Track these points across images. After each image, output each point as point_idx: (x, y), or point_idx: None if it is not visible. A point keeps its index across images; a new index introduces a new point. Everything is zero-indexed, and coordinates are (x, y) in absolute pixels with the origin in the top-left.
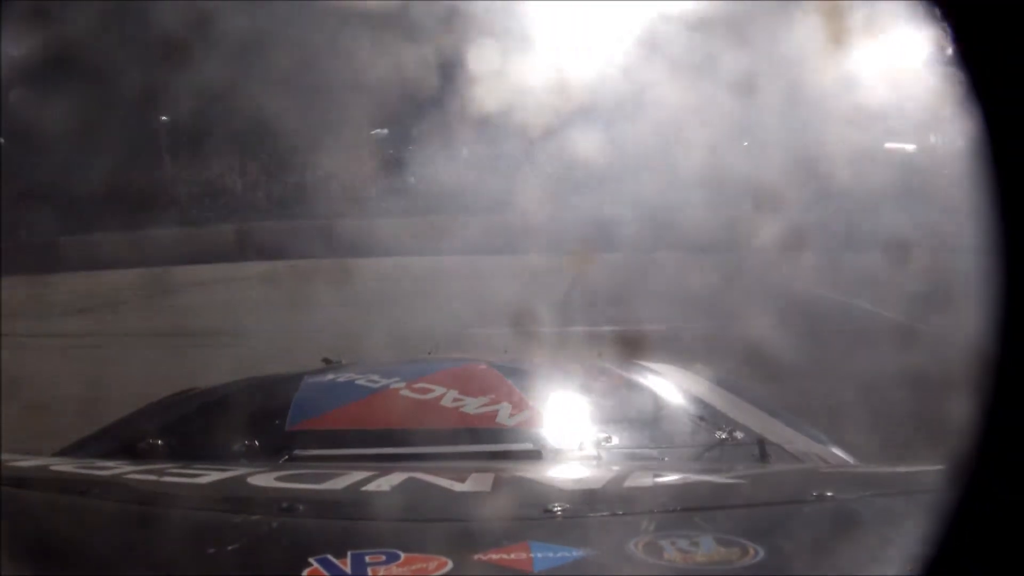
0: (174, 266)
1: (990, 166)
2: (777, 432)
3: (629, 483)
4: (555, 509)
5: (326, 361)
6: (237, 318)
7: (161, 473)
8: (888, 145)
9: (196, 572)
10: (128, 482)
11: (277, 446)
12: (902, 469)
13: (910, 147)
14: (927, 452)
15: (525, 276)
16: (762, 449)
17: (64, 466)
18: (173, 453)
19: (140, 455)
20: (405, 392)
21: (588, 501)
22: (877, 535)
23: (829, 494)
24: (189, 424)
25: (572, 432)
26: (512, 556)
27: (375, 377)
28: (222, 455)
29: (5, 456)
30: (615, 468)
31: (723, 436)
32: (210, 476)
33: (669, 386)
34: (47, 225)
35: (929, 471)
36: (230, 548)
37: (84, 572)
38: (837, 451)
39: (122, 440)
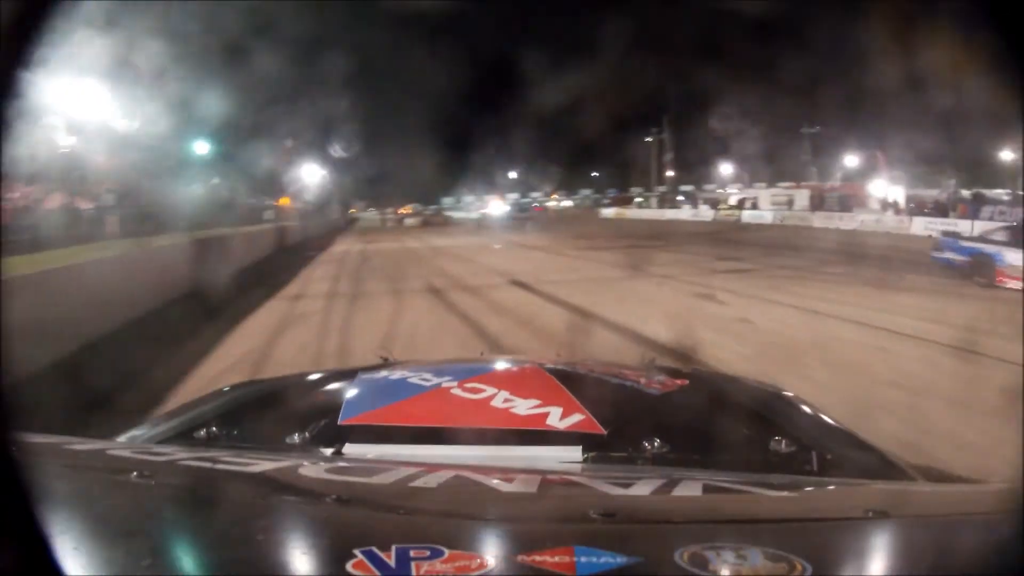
0: None
1: None
2: (836, 446)
3: (678, 491)
4: (601, 514)
5: (383, 359)
6: None
7: (215, 461)
8: None
9: (244, 558)
10: (181, 468)
11: (329, 439)
12: (966, 488)
13: None
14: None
15: None
16: (819, 462)
17: (120, 450)
18: (228, 442)
19: (196, 442)
20: (456, 391)
21: (635, 508)
22: (932, 556)
23: (884, 511)
24: (245, 414)
25: (622, 437)
26: (555, 559)
27: (427, 375)
28: (276, 445)
29: (62, 439)
30: (664, 476)
31: (779, 447)
32: (262, 465)
33: (723, 393)
34: None
35: (993, 490)
36: (278, 536)
37: (135, 555)
38: (900, 468)
39: (179, 427)
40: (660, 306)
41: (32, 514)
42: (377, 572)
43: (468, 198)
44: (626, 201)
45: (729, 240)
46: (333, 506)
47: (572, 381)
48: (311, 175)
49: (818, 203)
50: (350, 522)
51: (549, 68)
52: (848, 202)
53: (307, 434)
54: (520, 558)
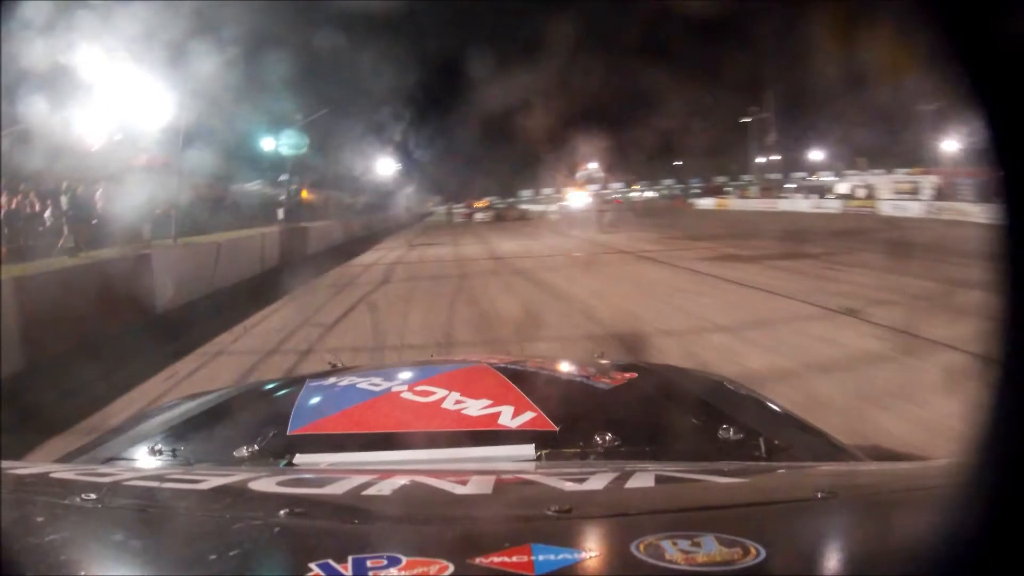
0: None
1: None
2: (783, 431)
3: (631, 484)
4: (557, 511)
5: (332, 365)
6: None
7: (163, 479)
8: None
9: None
10: (129, 488)
11: (279, 450)
12: (912, 465)
13: None
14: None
15: None
16: (767, 448)
17: (65, 473)
18: (176, 457)
19: (142, 460)
20: (407, 395)
21: (590, 503)
22: (882, 534)
23: (834, 492)
24: (192, 428)
25: (574, 433)
26: (514, 559)
27: (377, 380)
28: (224, 460)
29: (5, 464)
30: (617, 469)
31: (727, 435)
32: (211, 481)
33: (672, 385)
34: None
35: (937, 466)
36: (231, 553)
37: None
38: (846, 450)
39: (124, 445)
40: None
41: None
42: None
43: (547, 190)
44: (716, 190)
45: (908, 244)
46: (286, 520)
47: (522, 379)
48: (382, 169)
49: (948, 192)
50: (304, 535)
51: (629, 57)
52: (987, 190)
53: (256, 446)
54: (479, 560)
